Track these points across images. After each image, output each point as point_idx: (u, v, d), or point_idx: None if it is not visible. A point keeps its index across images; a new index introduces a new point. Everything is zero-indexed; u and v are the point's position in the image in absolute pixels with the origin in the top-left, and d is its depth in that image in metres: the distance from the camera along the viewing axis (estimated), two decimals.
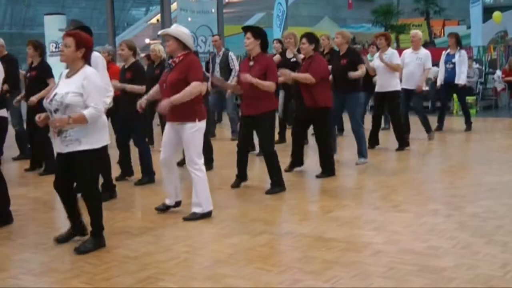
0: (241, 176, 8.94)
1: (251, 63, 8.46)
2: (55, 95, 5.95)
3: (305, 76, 9.24)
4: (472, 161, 10.64)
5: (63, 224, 6.69)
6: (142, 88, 8.97)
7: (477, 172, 9.54)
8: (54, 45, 21.47)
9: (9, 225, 7.16)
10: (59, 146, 6.07)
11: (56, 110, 5.92)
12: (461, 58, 13.85)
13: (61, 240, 6.36)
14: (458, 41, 14.10)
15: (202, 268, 5.54)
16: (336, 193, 8.46)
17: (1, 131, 7.91)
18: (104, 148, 6.24)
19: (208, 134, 9.96)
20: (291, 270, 5.42)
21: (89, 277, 5.39)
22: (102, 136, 6.11)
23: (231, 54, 13.46)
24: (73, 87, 5.91)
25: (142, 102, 7.76)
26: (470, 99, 17.65)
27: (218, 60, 13.49)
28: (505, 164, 10.07)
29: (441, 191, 8.48)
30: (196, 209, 7.24)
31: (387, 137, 12.88)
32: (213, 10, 26.20)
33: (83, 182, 6.08)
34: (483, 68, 19.66)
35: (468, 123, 14.34)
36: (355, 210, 7.44)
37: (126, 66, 9.37)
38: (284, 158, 9.48)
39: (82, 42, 6.06)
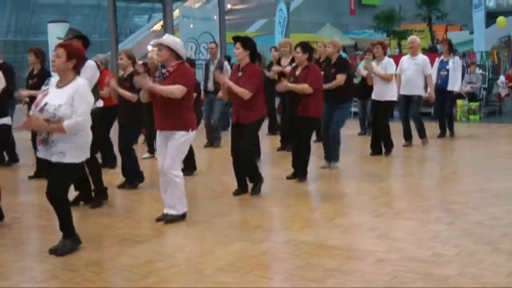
0: (241, 185, 8.90)
1: (240, 73, 8.54)
2: (45, 104, 5.98)
3: (302, 87, 9.25)
4: (476, 167, 10.58)
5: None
6: (134, 96, 8.92)
7: (481, 178, 9.48)
8: None
9: (12, 233, 7.13)
10: (44, 154, 6.16)
11: (46, 121, 5.96)
12: (455, 65, 13.77)
13: (54, 250, 6.31)
14: (451, 48, 14.04)
15: (204, 276, 5.50)
16: (338, 200, 8.41)
17: (3, 138, 7.88)
18: (83, 162, 6.46)
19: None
20: (293, 278, 5.39)
21: (91, 285, 5.36)
22: (85, 151, 6.28)
23: (226, 64, 13.44)
24: (65, 99, 5.97)
25: None
26: (473, 105, 17.62)
27: (212, 68, 13.39)
28: (510, 170, 10.03)
29: (444, 197, 8.42)
30: (171, 211, 7.39)
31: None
32: (215, 17, 26.22)
33: (56, 190, 6.17)
34: (487, 73, 19.61)
35: (451, 130, 14.32)
36: (357, 217, 7.39)
37: (124, 75, 9.36)
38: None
39: (73, 53, 6.13)
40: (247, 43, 8.57)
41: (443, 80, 13.72)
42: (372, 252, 5.99)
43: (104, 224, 7.44)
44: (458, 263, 5.59)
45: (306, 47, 9.51)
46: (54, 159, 6.06)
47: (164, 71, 7.25)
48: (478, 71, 18.78)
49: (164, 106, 7.19)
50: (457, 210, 7.56)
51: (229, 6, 44.26)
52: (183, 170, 7.96)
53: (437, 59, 14.05)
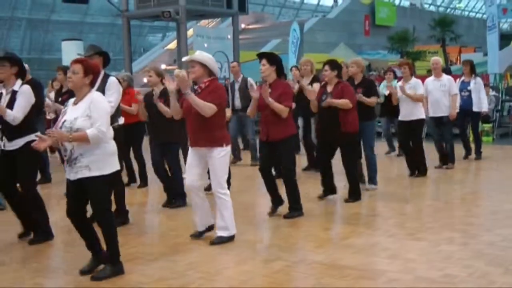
0: (276, 201, 8.83)
1: (269, 90, 8.35)
2: (64, 122, 6.01)
3: (344, 102, 9.22)
4: (489, 188, 10.57)
5: (79, 250, 6.64)
6: (168, 111, 8.85)
7: (494, 200, 9.47)
8: None
9: (25, 250, 7.18)
10: (68, 173, 6.08)
11: None
12: (477, 86, 13.74)
13: (85, 271, 6.22)
14: (473, 69, 13.99)
15: None
16: (351, 220, 8.42)
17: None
18: (114, 174, 6.23)
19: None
20: None
21: None
22: (111, 162, 6.13)
23: (250, 79, 13.47)
24: (81, 112, 5.97)
25: None
26: (486, 126, 17.58)
27: (237, 86, 13.49)
28: None
29: (457, 218, 8.42)
30: (223, 233, 7.27)
31: (402, 164, 12.83)
32: (229, 37, 26.38)
33: (96, 208, 6.07)
34: (500, 95, 19.59)
35: (478, 153, 14.18)
36: (370, 238, 7.40)
37: (157, 92, 9.34)
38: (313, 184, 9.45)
39: (90, 68, 6.14)
40: (273, 59, 8.49)
41: (464, 101, 13.62)
42: (384, 272, 6.00)
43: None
44: (470, 284, 5.59)
45: (334, 64, 9.52)
46: (80, 175, 5.98)
47: (196, 87, 7.24)
48: (492, 92, 18.76)
49: (198, 122, 7.13)
50: (470, 231, 7.55)
51: (243, 26, 44.48)
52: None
53: (458, 80, 13.98)
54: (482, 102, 13.78)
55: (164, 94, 9.04)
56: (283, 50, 30.59)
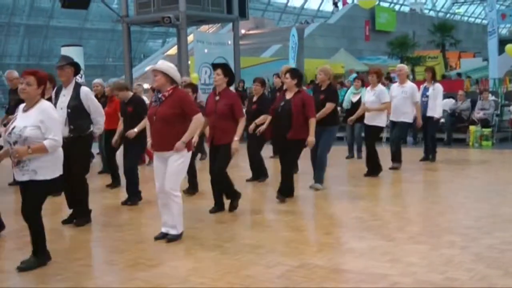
0: (218, 204, 9.38)
1: (217, 97, 9.02)
2: (13, 128, 6.41)
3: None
4: (488, 192, 10.60)
5: (79, 255, 6.68)
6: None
7: (493, 203, 9.51)
8: None
9: (23, 256, 7.20)
10: (17, 175, 6.55)
11: (15, 142, 6.37)
12: (435, 92, 13.92)
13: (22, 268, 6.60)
14: (434, 75, 14.33)
15: None
16: (351, 224, 8.45)
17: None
18: (55, 179, 6.61)
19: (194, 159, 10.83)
20: None
21: None
22: (56, 168, 6.62)
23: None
24: (31, 121, 6.41)
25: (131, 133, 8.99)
26: (486, 131, 17.61)
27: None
28: None
29: (457, 222, 8.45)
30: (173, 231, 7.66)
31: (402, 168, 12.89)
32: (229, 42, 26.40)
33: (30, 208, 6.52)
34: (499, 100, 19.63)
35: (433, 154, 14.44)
36: (371, 242, 7.42)
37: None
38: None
39: (43, 80, 6.61)
40: (227, 71, 9.14)
41: (424, 107, 13.84)
42: (385, 276, 6.03)
43: (117, 248, 7.50)
44: (471, 287, 5.62)
45: (295, 73, 10.08)
46: (26, 177, 6.45)
47: (160, 95, 7.56)
48: (491, 97, 18.80)
49: (165, 128, 7.50)
50: (470, 234, 7.59)
51: (243, 31, 44.52)
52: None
53: (421, 86, 14.23)
54: (434, 108, 14.05)
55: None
56: (284, 55, 30.71)
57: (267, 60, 33.50)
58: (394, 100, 12.92)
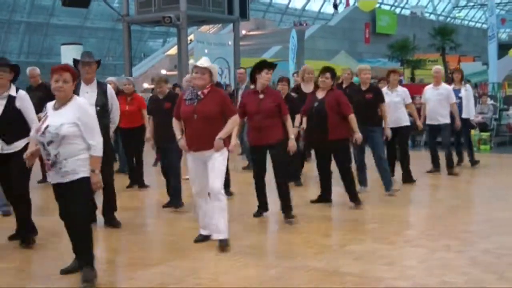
0: (262, 206, 9.09)
1: (261, 96, 8.65)
2: (46, 127, 6.01)
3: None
4: (485, 196, 10.65)
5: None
6: None
7: (490, 207, 9.55)
8: None
9: (19, 255, 7.24)
10: (54, 178, 6.14)
11: (50, 142, 5.99)
12: (467, 93, 13.81)
13: (66, 271, 6.37)
14: (463, 76, 14.16)
15: None
16: (350, 227, 8.49)
17: None
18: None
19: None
20: None
21: None
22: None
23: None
24: (68, 118, 6.03)
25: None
26: (484, 135, 17.67)
27: (241, 92, 13.47)
28: None
29: (454, 226, 8.49)
30: (221, 236, 7.32)
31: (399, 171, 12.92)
32: (230, 43, 26.44)
33: (77, 209, 6.10)
34: (498, 104, 19.69)
35: (471, 157, 14.26)
36: (369, 244, 7.46)
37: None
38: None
39: (75, 76, 6.30)
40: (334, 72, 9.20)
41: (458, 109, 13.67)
42: (383, 279, 6.08)
43: (115, 248, 7.54)
44: None
45: (334, 73, 9.74)
46: (67, 179, 6.06)
47: (199, 93, 7.30)
48: (490, 101, 18.85)
49: (205, 126, 7.27)
50: (467, 238, 7.64)
51: (244, 32, 44.53)
52: None
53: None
54: (470, 110, 13.91)
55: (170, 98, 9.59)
56: (284, 56, 30.73)
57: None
58: (429, 102, 12.75)
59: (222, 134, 7.23)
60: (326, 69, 9.66)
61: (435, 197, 11.00)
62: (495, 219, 8.72)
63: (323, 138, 9.47)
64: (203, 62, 7.39)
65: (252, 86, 9.17)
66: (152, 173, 12.81)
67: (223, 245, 7.21)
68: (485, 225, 8.45)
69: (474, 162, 14.09)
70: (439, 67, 13.50)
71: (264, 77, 8.67)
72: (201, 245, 7.39)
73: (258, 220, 8.85)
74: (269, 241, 7.71)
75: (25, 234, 7.53)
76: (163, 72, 38.62)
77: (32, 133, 6.42)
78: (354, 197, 9.64)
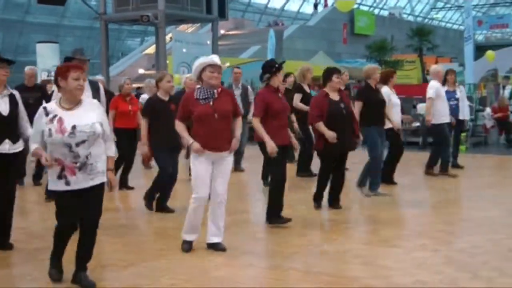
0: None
1: (280, 95, 8.58)
2: (74, 127, 5.67)
3: None
4: (461, 196, 10.72)
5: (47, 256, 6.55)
6: None
7: (465, 207, 9.62)
8: (46, 73, 21.51)
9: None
10: (80, 182, 5.77)
11: (81, 143, 5.71)
12: (462, 94, 13.89)
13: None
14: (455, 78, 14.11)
15: None
16: (326, 227, 8.51)
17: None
18: None
19: None
20: None
21: None
22: None
23: (249, 87, 13.49)
24: (95, 117, 5.85)
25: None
26: (461, 135, 17.75)
27: (237, 92, 13.33)
28: (493, 200, 10.13)
29: (429, 226, 8.53)
30: (220, 239, 7.26)
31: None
32: (208, 42, 26.39)
33: (99, 214, 5.96)
34: (474, 105, 19.82)
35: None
36: (344, 244, 7.47)
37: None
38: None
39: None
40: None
41: (455, 110, 13.66)
42: (358, 279, 6.09)
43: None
44: None
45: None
46: (96, 181, 5.83)
47: (214, 91, 7.09)
48: (466, 102, 18.94)
49: (223, 126, 7.11)
50: (442, 238, 7.67)
51: (222, 32, 44.48)
52: None
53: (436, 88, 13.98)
54: (465, 110, 14.01)
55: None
56: (263, 56, 30.68)
57: (246, 61, 33.49)
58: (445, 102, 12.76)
59: (237, 134, 7.19)
60: (338, 69, 9.61)
61: (411, 198, 11.01)
62: (470, 219, 8.77)
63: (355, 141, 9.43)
64: (218, 60, 7.23)
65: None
66: (140, 176, 12.64)
67: (224, 247, 7.16)
68: (461, 225, 8.50)
69: (458, 165, 14.15)
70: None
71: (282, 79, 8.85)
72: (175, 245, 7.31)
73: (233, 221, 8.82)
74: (244, 241, 7.68)
75: (6, 240, 7.43)
76: (141, 71, 38.57)
77: (34, 135, 5.96)
78: (337, 201, 9.57)
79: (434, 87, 12.59)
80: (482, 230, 8.07)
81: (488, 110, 19.60)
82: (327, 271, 6.36)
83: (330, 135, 8.91)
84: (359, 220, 8.86)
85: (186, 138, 7.15)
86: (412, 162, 13.89)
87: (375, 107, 10.13)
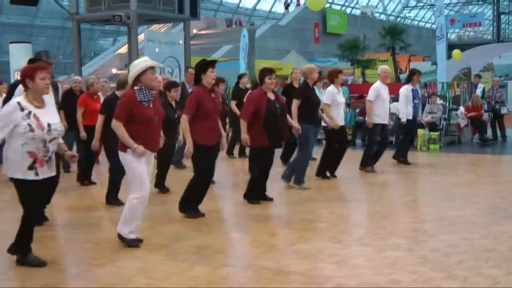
0: None
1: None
2: (49, 125, 6.28)
3: None
4: (435, 195, 10.72)
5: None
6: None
7: (439, 206, 9.61)
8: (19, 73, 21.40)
9: None
10: (46, 172, 6.42)
11: (53, 139, 6.38)
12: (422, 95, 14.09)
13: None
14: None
15: None
16: (298, 226, 8.45)
17: None
18: None
19: None
20: None
21: None
22: None
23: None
24: (57, 116, 6.62)
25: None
26: (434, 134, 17.83)
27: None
28: (467, 199, 10.15)
29: (403, 225, 8.52)
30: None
31: (350, 171, 12.96)
32: (180, 42, 26.25)
33: (50, 199, 7.11)
34: (447, 104, 19.90)
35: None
36: (317, 244, 7.44)
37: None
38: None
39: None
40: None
41: (416, 110, 13.95)
42: (331, 278, 6.05)
43: (62, 248, 7.40)
44: None
45: None
46: (53, 172, 6.58)
47: (154, 93, 7.38)
48: (439, 101, 19.03)
49: (158, 128, 7.50)
50: (415, 237, 7.66)
51: (194, 31, 44.40)
52: None
53: (405, 88, 14.09)
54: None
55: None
56: (235, 56, 30.68)
57: (218, 61, 33.50)
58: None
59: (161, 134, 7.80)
60: (271, 70, 9.78)
61: (384, 196, 11.02)
62: (444, 218, 8.77)
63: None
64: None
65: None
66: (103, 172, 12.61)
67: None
68: (434, 223, 8.49)
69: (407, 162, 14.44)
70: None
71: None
72: (149, 245, 7.28)
73: (206, 220, 8.76)
74: (216, 241, 7.63)
75: None
76: (114, 71, 38.35)
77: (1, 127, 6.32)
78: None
79: (374, 88, 13.09)
80: (457, 229, 8.07)
81: (461, 109, 19.68)
82: (299, 270, 6.32)
83: (246, 137, 9.41)
84: (330, 219, 8.82)
85: (129, 142, 7.12)
86: (383, 160, 13.88)
87: (312, 106, 10.59)
